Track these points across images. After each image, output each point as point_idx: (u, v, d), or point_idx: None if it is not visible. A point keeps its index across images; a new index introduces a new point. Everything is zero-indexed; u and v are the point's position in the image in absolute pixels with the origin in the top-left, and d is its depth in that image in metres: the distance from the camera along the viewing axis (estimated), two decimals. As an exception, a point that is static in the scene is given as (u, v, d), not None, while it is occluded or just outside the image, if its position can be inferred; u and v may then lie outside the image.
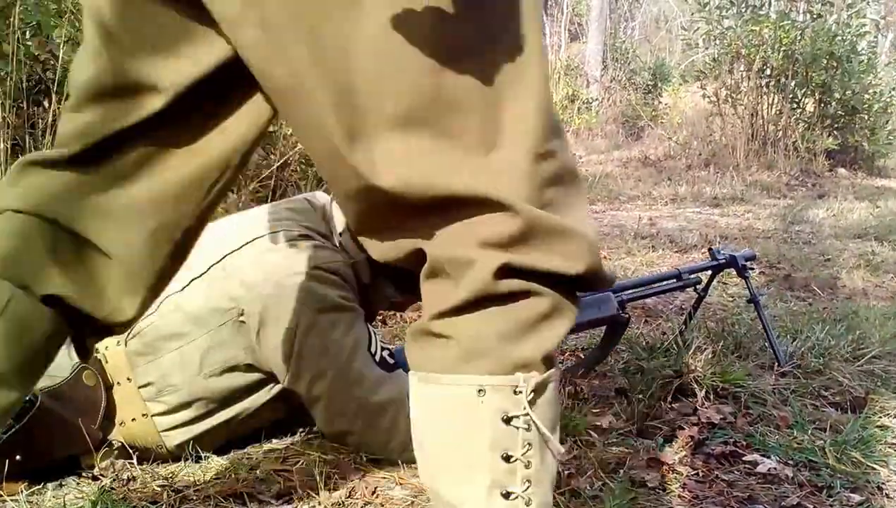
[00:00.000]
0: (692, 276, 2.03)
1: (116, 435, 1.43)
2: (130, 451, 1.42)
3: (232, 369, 1.45)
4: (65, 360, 1.34)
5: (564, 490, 1.32)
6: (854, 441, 1.56)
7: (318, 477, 1.33)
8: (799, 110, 7.82)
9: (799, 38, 7.37)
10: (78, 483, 1.35)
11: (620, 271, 3.15)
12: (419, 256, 0.73)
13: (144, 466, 1.41)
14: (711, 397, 1.79)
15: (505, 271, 0.70)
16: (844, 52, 7.51)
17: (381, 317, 2.31)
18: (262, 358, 1.44)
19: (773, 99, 7.67)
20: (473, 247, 0.70)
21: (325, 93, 0.68)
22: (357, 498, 1.31)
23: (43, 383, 1.30)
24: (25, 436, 1.27)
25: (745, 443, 1.57)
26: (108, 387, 1.43)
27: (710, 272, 2.10)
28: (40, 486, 1.33)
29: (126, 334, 1.41)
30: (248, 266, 1.44)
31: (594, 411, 1.70)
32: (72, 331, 0.89)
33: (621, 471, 1.42)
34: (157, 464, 1.44)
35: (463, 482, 0.73)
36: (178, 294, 1.44)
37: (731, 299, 2.75)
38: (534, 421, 0.72)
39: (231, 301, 1.43)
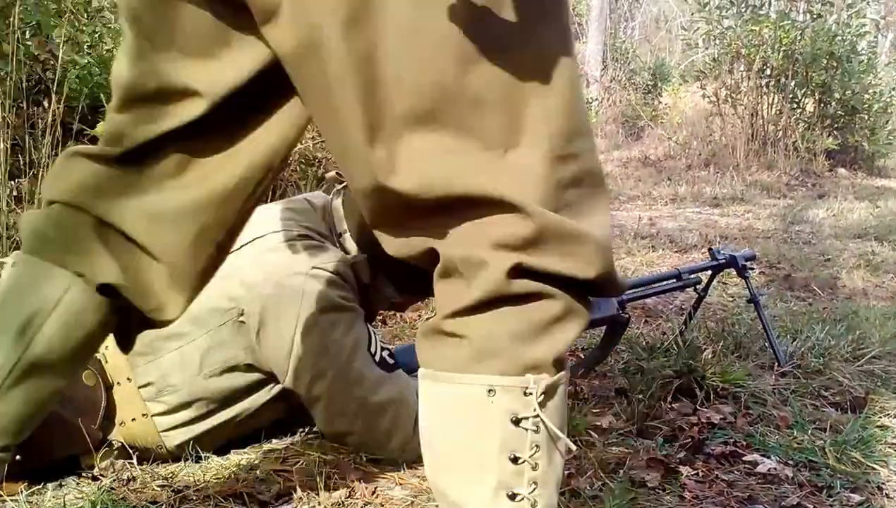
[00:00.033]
0: (692, 276, 2.04)
1: (116, 435, 1.43)
2: (130, 451, 1.41)
3: (232, 369, 1.45)
4: (65, 360, 1.34)
5: (564, 490, 1.32)
6: (854, 441, 1.56)
7: (318, 477, 1.33)
8: (799, 110, 7.82)
9: (799, 38, 7.38)
10: (78, 484, 1.35)
11: (620, 271, 3.15)
12: (432, 255, 0.73)
13: (144, 466, 1.41)
14: (711, 397, 1.79)
15: (518, 272, 0.70)
16: (844, 52, 7.52)
17: (381, 317, 2.31)
18: (262, 358, 1.44)
19: (773, 99, 7.67)
20: (486, 248, 0.70)
21: (353, 86, 0.68)
22: (357, 498, 1.31)
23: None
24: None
25: (745, 443, 1.57)
26: (108, 387, 1.43)
27: (710, 272, 2.11)
28: (40, 486, 1.32)
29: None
30: (248, 266, 1.44)
31: (594, 411, 1.70)
32: (119, 322, 0.90)
33: (621, 471, 1.42)
34: (157, 464, 1.44)
35: (470, 482, 0.73)
36: (178, 294, 1.43)
37: (731, 299, 2.75)
38: (544, 423, 0.72)
39: (231, 301, 1.43)
